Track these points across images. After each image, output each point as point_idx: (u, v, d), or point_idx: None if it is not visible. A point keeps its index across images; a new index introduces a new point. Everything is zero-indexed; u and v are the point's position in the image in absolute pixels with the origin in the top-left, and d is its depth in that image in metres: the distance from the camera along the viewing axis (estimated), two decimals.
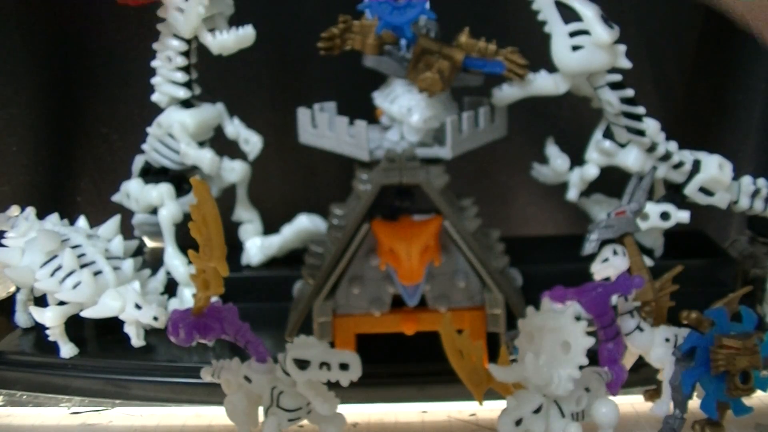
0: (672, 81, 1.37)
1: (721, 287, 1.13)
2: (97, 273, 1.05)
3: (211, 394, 0.94)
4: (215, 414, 1.03)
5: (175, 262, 1.15)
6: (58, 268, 1.04)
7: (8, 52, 1.30)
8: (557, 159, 1.17)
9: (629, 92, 1.03)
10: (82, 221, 1.15)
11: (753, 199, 1.13)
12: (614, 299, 0.88)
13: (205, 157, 1.13)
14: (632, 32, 1.21)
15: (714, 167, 1.09)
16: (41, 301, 1.11)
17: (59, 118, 1.38)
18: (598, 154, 1.11)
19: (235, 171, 1.19)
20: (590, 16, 0.97)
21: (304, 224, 1.18)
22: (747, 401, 0.86)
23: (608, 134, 1.10)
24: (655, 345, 0.90)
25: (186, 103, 1.15)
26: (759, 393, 0.86)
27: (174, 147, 1.15)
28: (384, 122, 1.05)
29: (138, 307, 1.04)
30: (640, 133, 1.05)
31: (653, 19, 1.31)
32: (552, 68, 1.02)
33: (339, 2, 1.01)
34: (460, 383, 0.79)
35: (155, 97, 1.15)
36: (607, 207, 1.17)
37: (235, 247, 1.21)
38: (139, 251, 1.20)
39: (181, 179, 1.18)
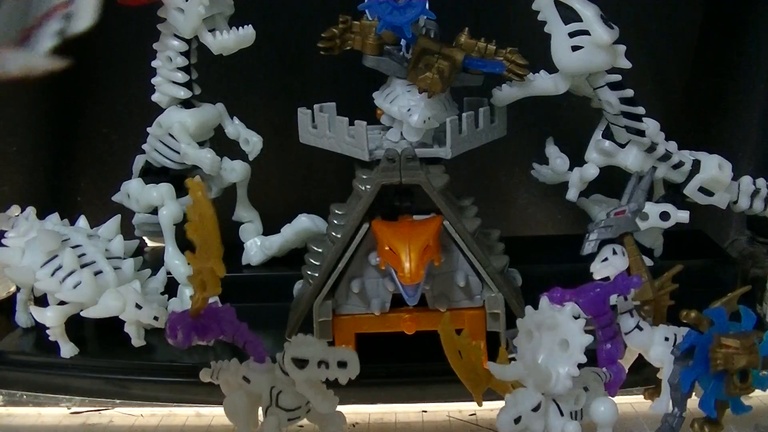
0: (672, 81, 1.37)
1: (721, 287, 1.13)
2: (97, 273, 1.05)
3: (211, 394, 0.94)
4: (215, 414, 1.03)
5: (176, 262, 1.15)
6: (59, 267, 1.04)
7: None
8: (557, 159, 1.17)
9: (629, 92, 1.03)
10: (82, 221, 1.15)
11: (752, 199, 1.13)
12: (614, 299, 0.88)
13: (205, 157, 1.13)
14: (632, 32, 1.21)
15: (714, 167, 1.09)
16: (42, 300, 1.11)
17: (59, 118, 1.38)
18: (597, 154, 1.11)
19: (235, 171, 1.18)
20: (590, 16, 0.97)
21: (304, 224, 1.18)
22: (746, 401, 0.87)
23: (608, 134, 1.10)
24: (654, 344, 0.90)
25: (186, 103, 1.15)
26: (758, 393, 0.87)
27: (174, 147, 1.15)
28: (384, 122, 1.05)
29: (138, 306, 1.04)
30: (640, 133, 1.05)
31: (653, 19, 1.31)
32: (552, 68, 1.02)
33: (339, 2, 1.01)
34: (460, 383, 0.79)
35: (155, 97, 1.15)
36: (606, 207, 1.17)
37: (235, 246, 1.21)
38: (140, 251, 1.21)
39: (181, 179, 1.18)
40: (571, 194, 1.16)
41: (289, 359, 0.77)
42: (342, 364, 0.76)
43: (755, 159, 1.32)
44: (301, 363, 0.77)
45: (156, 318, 1.05)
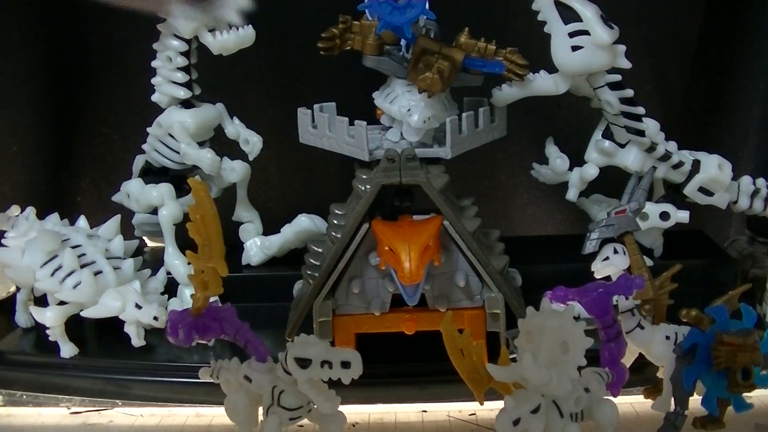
0: (672, 81, 1.37)
1: (721, 287, 1.14)
2: (97, 273, 1.05)
3: (212, 394, 0.94)
4: (215, 414, 1.03)
5: (176, 262, 1.15)
6: (59, 268, 1.04)
7: (8, 52, 1.30)
8: (557, 159, 1.17)
9: (629, 92, 1.03)
10: (82, 221, 1.15)
11: (752, 199, 1.13)
12: (614, 298, 0.88)
13: (205, 157, 1.13)
14: (632, 32, 1.21)
15: (713, 167, 1.09)
16: (42, 300, 1.11)
17: (59, 118, 1.38)
18: (597, 154, 1.11)
19: (235, 171, 1.18)
20: (590, 16, 0.97)
21: (304, 224, 1.18)
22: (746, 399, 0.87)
23: (608, 134, 1.10)
24: (655, 343, 0.91)
25: (186, 103, 1.15)
26: (758, 393, 0.87)
27: (174, 147, 1.15)
28: (384, 122, 1.05)
29: (138, 306, 1.04)
30: (640, 133, 1.05)
31: (653, 19, 1.31)
32: (552, 68, 1.02)
33: (339, 2, 1.01)
34: (461, 383, 0.79)
35: (155, 97, 1.15)
36: (606, 207, 1.18)
37: (235, 247, 1.21)
38: (140, 251, 1.21)
39: (181, 179, 1.18)
40: (571, 194, 1.16)
41: (291, 359, 0.77)
42: (345, 365, 0.76)
43: (755, 159, 1.32)
44: (303, 363, 0.77)
45: (156, 318, 1.05)
